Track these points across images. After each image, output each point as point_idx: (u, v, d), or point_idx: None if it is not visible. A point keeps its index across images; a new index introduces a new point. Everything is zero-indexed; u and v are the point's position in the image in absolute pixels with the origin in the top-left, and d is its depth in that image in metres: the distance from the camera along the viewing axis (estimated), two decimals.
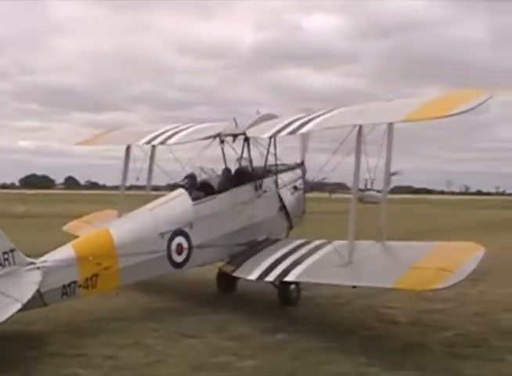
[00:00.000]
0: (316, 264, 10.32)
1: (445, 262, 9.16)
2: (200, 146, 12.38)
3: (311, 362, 7.60)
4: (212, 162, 12.76)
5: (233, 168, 12.62)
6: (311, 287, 11.54)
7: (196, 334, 8.93)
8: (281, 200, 12.78)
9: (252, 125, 11.82)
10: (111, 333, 8.98)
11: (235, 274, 10.96)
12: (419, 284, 9.05)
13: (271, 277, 10.29)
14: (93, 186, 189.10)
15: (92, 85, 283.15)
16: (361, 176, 10.59)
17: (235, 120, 12.18)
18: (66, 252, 9.05)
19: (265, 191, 12.43)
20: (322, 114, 10.47)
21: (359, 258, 9.92)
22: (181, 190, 11.39)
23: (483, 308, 10.86)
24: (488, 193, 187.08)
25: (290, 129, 10.59)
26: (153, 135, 12.62)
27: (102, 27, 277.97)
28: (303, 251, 10.81)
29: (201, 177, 11.96)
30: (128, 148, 12.79)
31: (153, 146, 12.84)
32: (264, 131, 11.40)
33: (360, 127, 9.57)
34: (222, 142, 12.59)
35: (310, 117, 10.64)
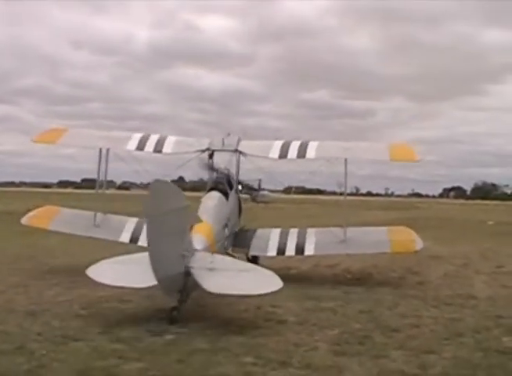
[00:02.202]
0: (320, 242, 13.92)
1: (406, 237, 14.72)
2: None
3: (197, 364, 7.54)
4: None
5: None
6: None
7: (82, 336, 8.69)
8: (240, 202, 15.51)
9: (237, 144, 15.06)
10: None
11: (254, 253, 13.96)
12: (406, 249, 14.65)
13: (290, 252, 14.12)
14: None
15: None
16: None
17: (223, 139, 15.17)
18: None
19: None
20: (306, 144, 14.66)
21: (350, 237, 13.95)
22: (217, 193, 13.88)
23: (368, 306, 11.15)
24: (377, 195, 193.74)
25: (295, 153, 14.49)
26: (135, 141, 14.94)
27: None
28: (291, 235, 14.39)
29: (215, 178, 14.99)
30: (101, 151, 14.55)
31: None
32: (267, 152, 14.78)
33: (345, 159, 13.94)
34: (211, 155, 15.14)
35: (296, 143, 14.82)
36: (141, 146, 14.88)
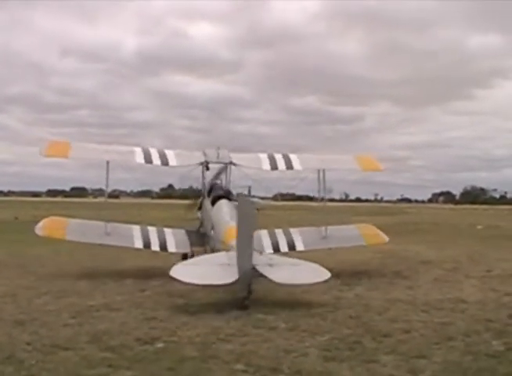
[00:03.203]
0: (306, 239, 16.02)
1: (373, 231, 17.70)
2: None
3: (188, 372, 7.53)
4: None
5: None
6: (187, 294, 12.49)
7: (72, 345, 8.65)
8: None
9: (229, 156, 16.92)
10: None
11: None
12: (377, 241, 17.32)
13: (283, 248, 15.77)
14: None
15: None
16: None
17: (219, 149, 17.00)
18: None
19: None
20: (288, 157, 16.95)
21: (329, 234, 16.53)
22: (228, 201, 15.56)
23: (358, 311, 11.17)
24: (366, 200, 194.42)
25: (284, 166, 16.66)
26: (141, 155, 16.03)
27: None
28: (279, 235, 16.30)
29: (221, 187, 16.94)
30: (108, 163, 15.44)
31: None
32: (259, 164, 16.70)
33: (323, 170, 16.51)
34: (207, 167, 16.96)
35: (279, 156, 16.99)
36: (149, 160, 16.03)
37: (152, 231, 16.26)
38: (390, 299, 12.43)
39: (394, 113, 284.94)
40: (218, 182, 17.56)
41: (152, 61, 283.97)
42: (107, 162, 15.56)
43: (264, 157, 17.08)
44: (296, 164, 16.70)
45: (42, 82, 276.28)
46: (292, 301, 12.06)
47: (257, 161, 16.94)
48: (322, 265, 12.71)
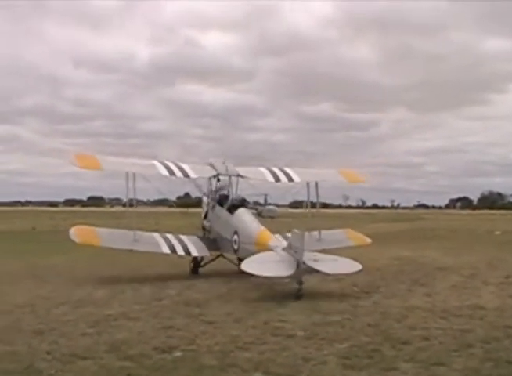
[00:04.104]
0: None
1: (355, 234, 21.15)
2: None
3: None
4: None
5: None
6: (203, 303, 12.80)
7: (90, 355, 8.69)
8: None
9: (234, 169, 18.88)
10: None
11: None
12: (362, 242, 20.34)
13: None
14: None
15: None
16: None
17: (225, 163, 18.95)
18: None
19: None
20: (286, 171, 19.13)
21: (323, 237, 19.17)
22: (245, 209, 17.92)
23: (376, 319, 11.12)
24: (383, 207, 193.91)
25: (285, 178, 18.81)
26: (163, 167, 17.63)
27: None
28: (279, 238, 17.17)
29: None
30: (134, 175, 16.82)
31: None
32: (264, 176, 18.73)
33: (316, 182, 19.44)
34: (218, 179, 18.98)
35: (276, 169, 19.17)
36: (172, 173, 17.62)
37: (171, 238, 17.83)
38: (408, 306, 12.36)
39: (408, 119, 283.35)
40: (225, 192, 19.09)
41: (165, 71, 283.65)
42: (133, 174, 16.88)
43: (265, 170, 19.16)
44: (295, 177, 18.93)
45: (56, 93, 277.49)
46: (309, 309, 12.04)
47: (260, 174, 18.95)
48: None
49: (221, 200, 18.79)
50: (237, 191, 19.05)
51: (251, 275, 13.92)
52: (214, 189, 19.35)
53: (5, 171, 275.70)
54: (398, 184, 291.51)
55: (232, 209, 17.85)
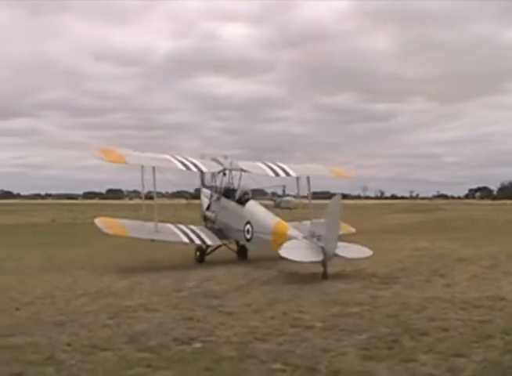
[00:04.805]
0: (300, 230, 17.11)
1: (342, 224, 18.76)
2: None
3: (226, 372, 7.58)
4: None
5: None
6: (222, 294, 12.90)
7: (110, 346, 8.77)
8: None
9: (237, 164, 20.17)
10: (19, 349, 8.68)
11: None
12: (347, 232, 20.18)
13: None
14: (7, 195, 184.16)
15: (4, 91, 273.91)
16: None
17: (227, 158, 20.76)
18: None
19: None
20: (282, 166, 20.21)
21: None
22: (255, 201, 19.56)
23: (395, 310, 11.08)
24: (402, 197, 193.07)
25: (283, 173, 19.91)
26: (177, 162, 18.74)
27: (15, 30, 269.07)
28: None
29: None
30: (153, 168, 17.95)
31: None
32: (264, 171, 19.76)
33: (308, 177, 20.78)
34: (224, 173, 20.41)
35: (272, 164, 20.25)
36: (188, 167, 18.84)
37: (185, 228, 19.07)
38: (427, 297, 12.31)
39: (428, 110, 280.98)
40: (230, 186, 20.63)
41: (185, 64, 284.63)
42: (153, 168, 17.91)
43: (263, 165, 20.22)
44: (291, 172, 20.17)
45: (77, 87, 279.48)
46: (328, 300, 12.04)
47: (260, 169, 19.96)
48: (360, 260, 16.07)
49: (227, 193, 20.24)
50: (240, 184, 20.44)
51: (287, 260, 15.15)
52: (219, 183, 20.79)
53: (25, 164, 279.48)
54: (417, 174, 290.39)
55: (243, 201, 19.27)
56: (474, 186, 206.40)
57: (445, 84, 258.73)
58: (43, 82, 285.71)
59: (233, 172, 20.65)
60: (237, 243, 20.06)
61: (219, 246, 19.66)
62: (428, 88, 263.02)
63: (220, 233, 19.57)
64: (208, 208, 20.89)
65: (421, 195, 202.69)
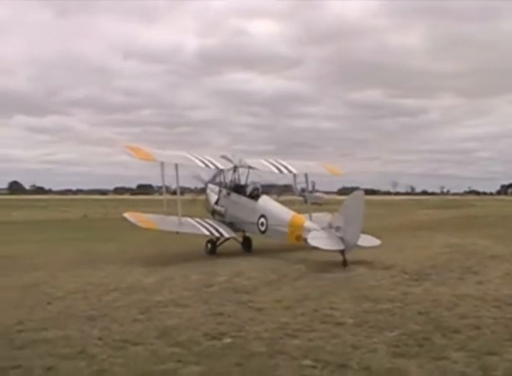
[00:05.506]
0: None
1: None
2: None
3: (256, 367, 7.60)
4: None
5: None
6: (252, 290, 12.92)
7: (141, 341, 8.85)
8: None
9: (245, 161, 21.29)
10: (51, 343, 8.81)
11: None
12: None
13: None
14: (39, 190, 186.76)
15: (35, 89, 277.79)
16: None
17: (235, 156, 21.86)
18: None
19: None
20: (283, 163, 21.03)
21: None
22: (267, 196, 20.78)
23: (426, 307, 10.97)
24: (433, 193, 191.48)
25: (286, 170, 20.94)
26: (196, 160, 20.01)
27: (46, 29, 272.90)
28: None
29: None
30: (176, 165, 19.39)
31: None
32: (269, 168, 20.70)
33: (306, 174, 21.96)
34: (235, 170, 21.58)
35: (274, 161, 21.16)
36: (206, 164, 20.14)
37: (202, 221, 20.16)
38: (459, 295, 12.15)
39: (459, 105, 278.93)
40: (238, 182, 21.72)
41: (213, 60, 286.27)
42: (176, 165, 19.35)
43: (266, 162, 21.11)
44: (292, 169, 21.25)
45: (107, 85, 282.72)
46: (359, 296, 11.96)
47: (266, 166, 20.92)
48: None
49: (238, 188, 21.37)
50: (245, 180, 21.61)
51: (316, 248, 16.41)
52: (228, 179, 22.00)
53: (56, 160, 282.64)
54: (448, 170, 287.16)
55: (255, 196, 20.46)
56: (507, 182, 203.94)
57: (474, 79, 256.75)
58: (73, 80, 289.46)
59: (241, 169, 21.74)
60: (244, 235, 21.40)
61: (228, 238, 20.44)
62: (457, 83, 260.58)
63: (232, 226, 20.59)
64: (217, 203, 21.96)
65: (452, 191, 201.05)
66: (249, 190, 20.92)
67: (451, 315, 10.35)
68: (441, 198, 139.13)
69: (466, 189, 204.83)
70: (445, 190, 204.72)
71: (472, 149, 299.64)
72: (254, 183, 21.19)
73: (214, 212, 22.01)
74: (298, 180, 23.21)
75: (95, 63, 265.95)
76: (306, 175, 22.18)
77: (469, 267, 16.00)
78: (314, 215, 21.11)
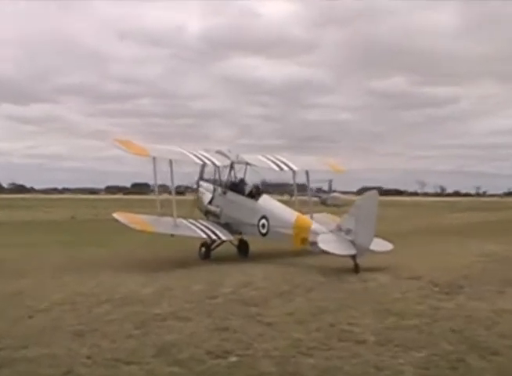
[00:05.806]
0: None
1: (333, 217, 21.75)
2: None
3: None
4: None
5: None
6: (261, 302, 12.85)
7: (136, 359, 8.86)
8: None
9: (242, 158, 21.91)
10: (34, 362, 8.80)
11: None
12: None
13: None
14: (19, 189, 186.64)
15: (21, 74, 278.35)
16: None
17: (231, 151, 22.28)
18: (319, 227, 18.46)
19: None
20: (283, 160, 21.78)
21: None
22: (268, 195, 21.11)
23: (460, 324, 10.90)
24: (466, 195, 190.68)
25: (286, 167, 21.55)
26: (192, 156, 20.44)
27: (32, 8, 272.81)
28: None
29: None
30: (171, 162, 19.86)
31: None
32: (268, 165, 21.38)
33: (307, 171, 22.84)
34: (232, 167, 22.01)
35: (273, 157, 21.82)
36: (202, 160, 20.77)
37: (197, 223, 20.41)
38: (498, 310, 12.06)
39: (495, 94, 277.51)
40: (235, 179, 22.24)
41: (218, 43, 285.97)
42: (170, 161, 19.81)
43: (264, 159, 21.73)
44: (292, 166, 21.78)
45: (101, 70, 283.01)
46: (382, 310, 11.91)
47: (264, 163, 21.52)
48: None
49: (235, 187, 21.74)
50: (241, 178, 22.16)
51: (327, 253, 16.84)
52: (224, 176, 22.44)
53: (41, 154, 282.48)
54: (484, 168, 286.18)
55: (255, 195, 20.84)
56: None
57: None
58: (62, 64, 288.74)
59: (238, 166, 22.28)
60: (240, 239, 21.85)
61: (223, 241, 20.81)
62: (494, 68, 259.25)
63: (228, 227, 20.85)
64: (211, 202, 22.30)
65: (489, 192, 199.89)
66: (248, 189, 21.36)
67: (489, 333, 10.28)
68: (476, 200, 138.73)
69: (506, 191, 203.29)
70: (481, 191, 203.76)
71: (511, 144, 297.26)
72: (263, 182, 21.70)
73: (207, 212, 22.33)
74: (311, 178, 23.82)
75: (87, 45, 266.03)
76: (307, 172, 22.80)
77: (509, 279, 15.87)
78: (314, 215, 21.64)
